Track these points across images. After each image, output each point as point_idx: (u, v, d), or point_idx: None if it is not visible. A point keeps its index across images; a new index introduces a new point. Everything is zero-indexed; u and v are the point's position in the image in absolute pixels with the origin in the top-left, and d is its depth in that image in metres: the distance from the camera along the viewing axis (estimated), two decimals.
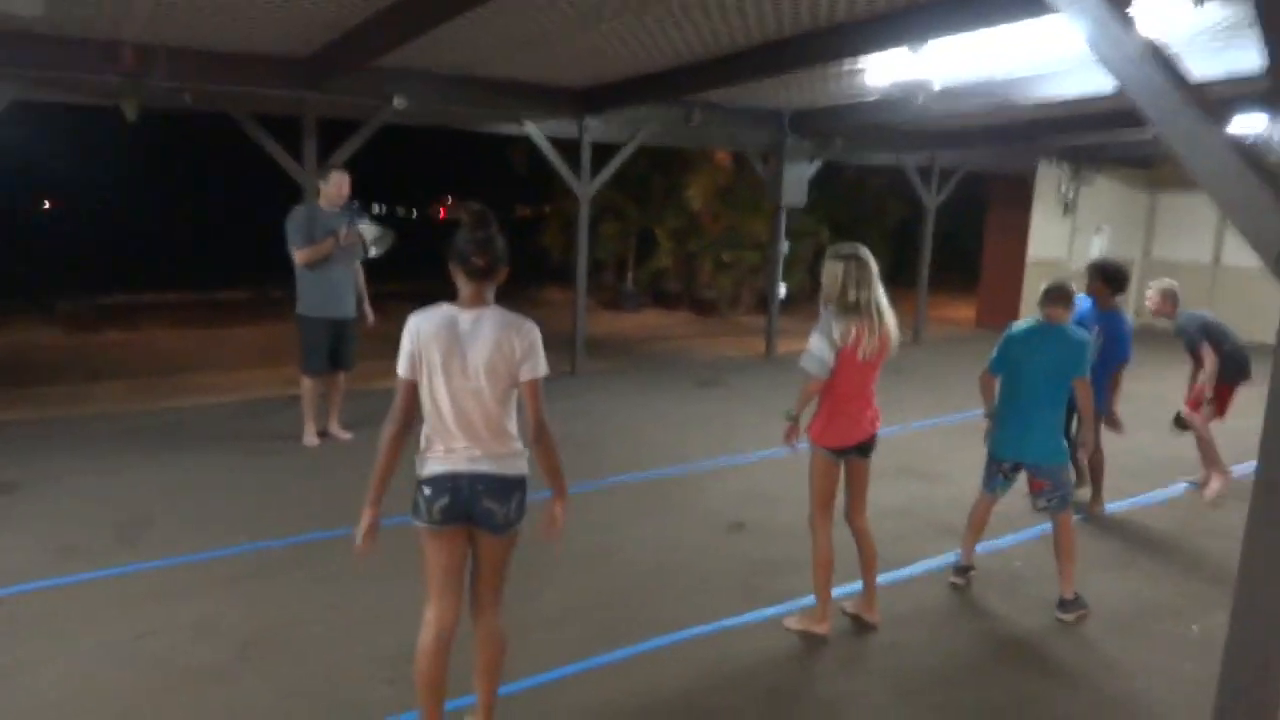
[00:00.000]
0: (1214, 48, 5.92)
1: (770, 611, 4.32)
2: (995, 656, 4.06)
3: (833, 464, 4.04)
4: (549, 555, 3.27)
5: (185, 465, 6.19)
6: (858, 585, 4.28)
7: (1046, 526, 5.33)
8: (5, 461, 6.10)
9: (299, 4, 5.53)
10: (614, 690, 3.62)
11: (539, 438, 2.99)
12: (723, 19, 5.76)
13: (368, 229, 6.52)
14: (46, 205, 50.32)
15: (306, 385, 6.68)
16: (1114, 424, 5.75)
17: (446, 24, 5.27)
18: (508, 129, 9.17)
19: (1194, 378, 6.17)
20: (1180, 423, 6.24)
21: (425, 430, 2.99)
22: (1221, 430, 6.20)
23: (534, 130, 9.10)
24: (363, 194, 6.68)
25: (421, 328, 2.92)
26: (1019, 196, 13.55)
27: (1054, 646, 4.15)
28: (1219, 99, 2.72)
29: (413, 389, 2.95)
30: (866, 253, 3.93)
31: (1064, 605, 4.39)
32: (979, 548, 4.84)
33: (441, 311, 2.95)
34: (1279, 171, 1.96)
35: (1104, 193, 14.02)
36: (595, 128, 9.40)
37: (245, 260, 18.17)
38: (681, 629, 4.11)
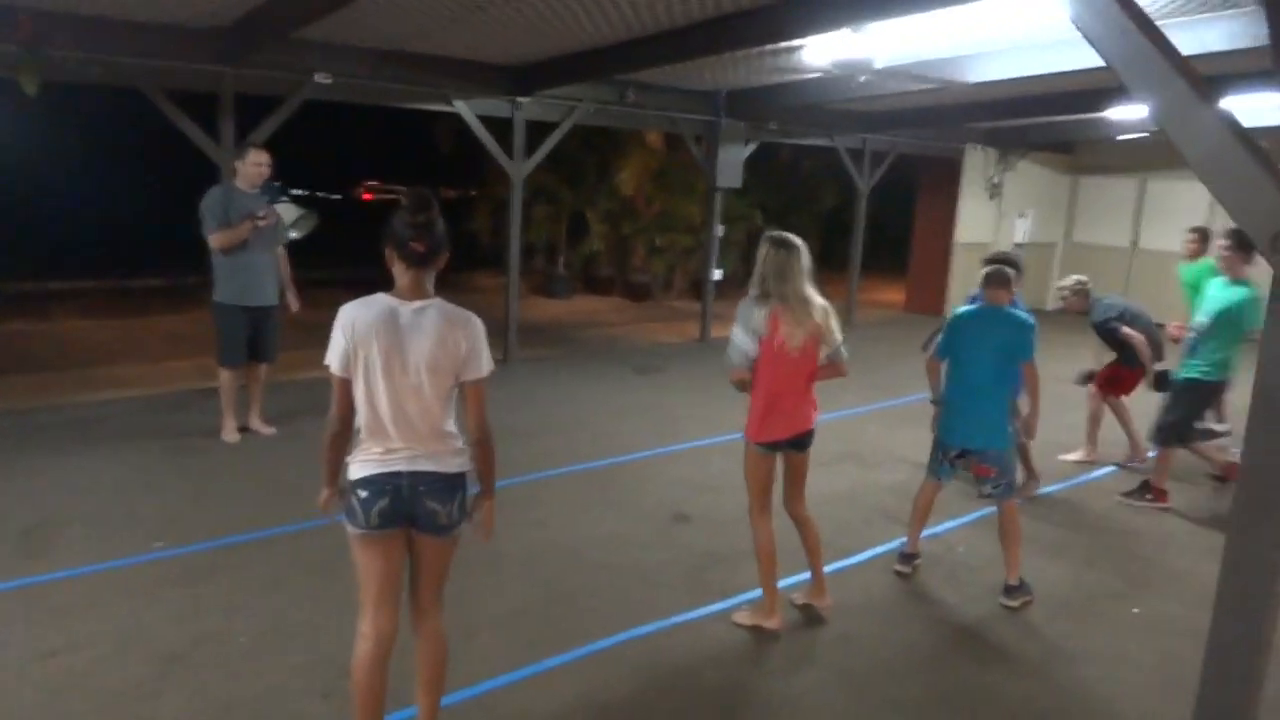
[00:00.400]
0: (1202, 19, 5.61)
1: (719, 606, 4.23)
2: (946, 646, 4.05)
3: (765, 458, 3.95)
4: (489, 554, 3.13)
5: (96, 465, 5.79)
6: (806, 575, 4.23)
7: (985, 511, 5.39)
8: None
9: None
10: (563, 694, 3.49)
11: (480, 440, 2.85)
12: None
13: (287, 210, 6.19)
14: None
15: (225, 378, 6.33)
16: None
17: None
18: (436, 107, 8.87)
19: (1119, 361, 6.32)
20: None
21: (358, 429, 2.79)
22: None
23: (464, 108, 8.82)
24: (280, 176, 6.33)
25: (357, 320, 2.72)
26: (947, 181, 13.74)
27: (1002, 634, 4.16)
28: (1209, 75, 2.67)
29: (348, 387, 2.76)
30: (798, 243, 3.83)
31: (1009, 591, 4.41)
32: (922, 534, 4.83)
33: (379, 302, 2.76)
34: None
35: (1028, 177, 14.30)
36: (528, 106, 9.17)
37: (158, 245, 17.38)
38: (630, 628, 3.99)
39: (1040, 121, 11.26)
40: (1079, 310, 6.24)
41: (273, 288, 6.32)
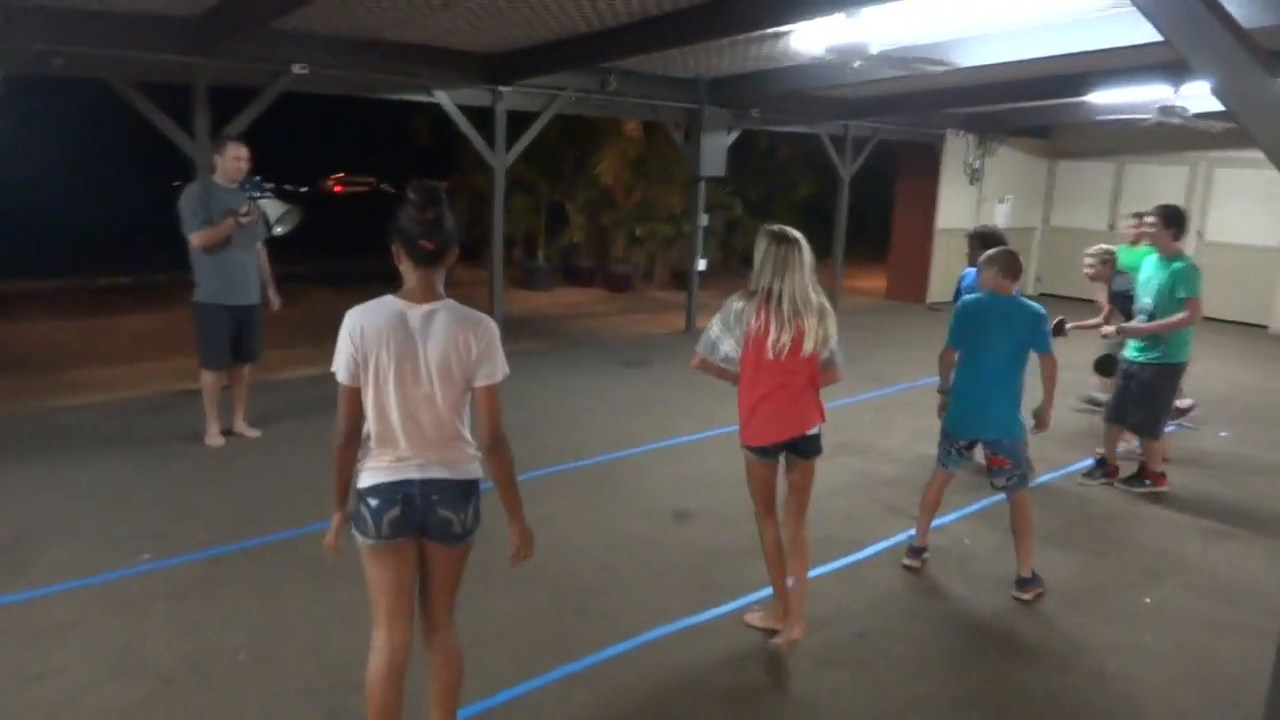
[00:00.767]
0: None
1: (730, 607, 4.14)
2: (964, 642, 3.98)
3: (761, 464, 3.71)
4: (492, 559, 2.99)
5: (75, 474, 5.56)
6: (823, 570, 4.13)
7: (986, 502, 5.36)
8: None
9: None
10: (580, 703, 3.38)
11: (494, 447, 2.70)
12: None
13: (271, 205, 5.99)
14: None
15: (207, 380, 6.12)
16: None
17: None
18: (417, 97, 8.66)
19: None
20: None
21: (368, 436, 2.65)
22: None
23: (444, 99, 8.63)
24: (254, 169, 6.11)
25: (364, 326, 2.58)
26: (927, 167, 13.69)
27: (1019, 628, 4.10)
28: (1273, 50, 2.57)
29: (356, 396, 2.61)
30: (798, 237, 3.56)
31: (1021, 584, 4.35)
32: None
33: (386, 306, 2.62)
34: None
35: (1007, 162, 14.30)
36: (509, 96, 8.99)
37: (127, 242, 16.99)
38: (640, 632, 3.89)
39: (1022, 106, 11.23)
40: (1105, 279, 6.37)
41: (255, 286, 6.11)
